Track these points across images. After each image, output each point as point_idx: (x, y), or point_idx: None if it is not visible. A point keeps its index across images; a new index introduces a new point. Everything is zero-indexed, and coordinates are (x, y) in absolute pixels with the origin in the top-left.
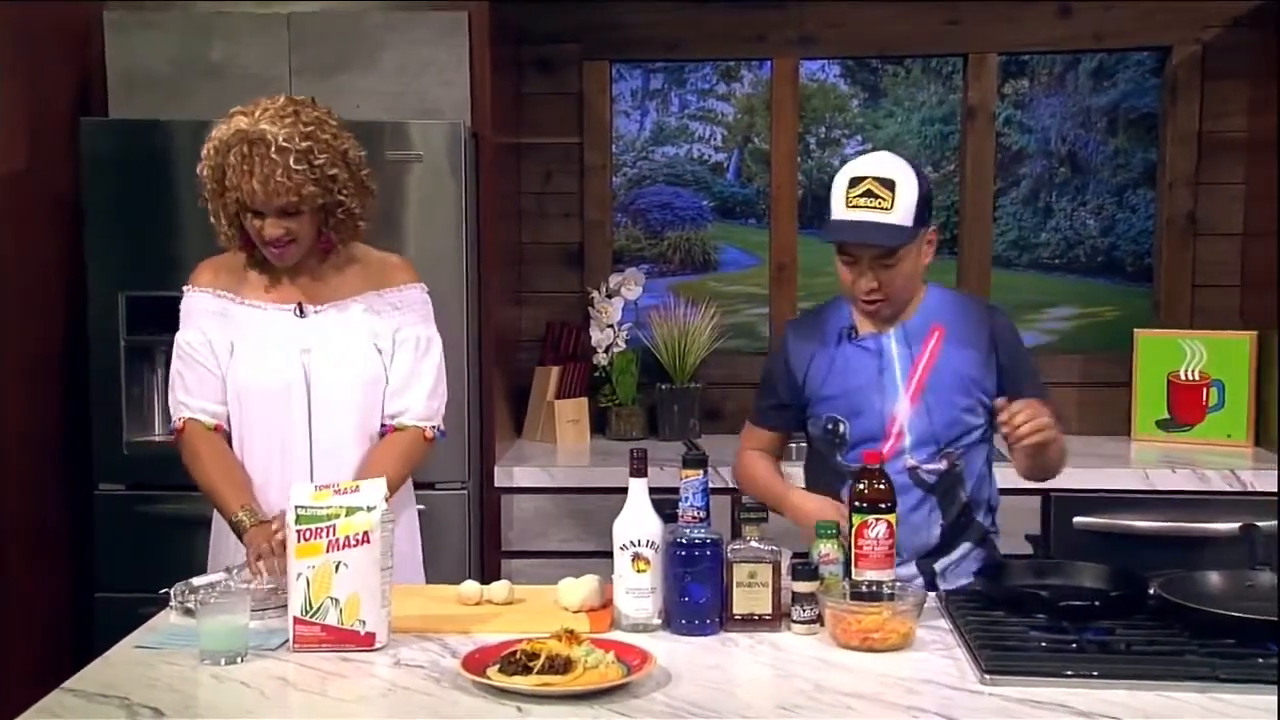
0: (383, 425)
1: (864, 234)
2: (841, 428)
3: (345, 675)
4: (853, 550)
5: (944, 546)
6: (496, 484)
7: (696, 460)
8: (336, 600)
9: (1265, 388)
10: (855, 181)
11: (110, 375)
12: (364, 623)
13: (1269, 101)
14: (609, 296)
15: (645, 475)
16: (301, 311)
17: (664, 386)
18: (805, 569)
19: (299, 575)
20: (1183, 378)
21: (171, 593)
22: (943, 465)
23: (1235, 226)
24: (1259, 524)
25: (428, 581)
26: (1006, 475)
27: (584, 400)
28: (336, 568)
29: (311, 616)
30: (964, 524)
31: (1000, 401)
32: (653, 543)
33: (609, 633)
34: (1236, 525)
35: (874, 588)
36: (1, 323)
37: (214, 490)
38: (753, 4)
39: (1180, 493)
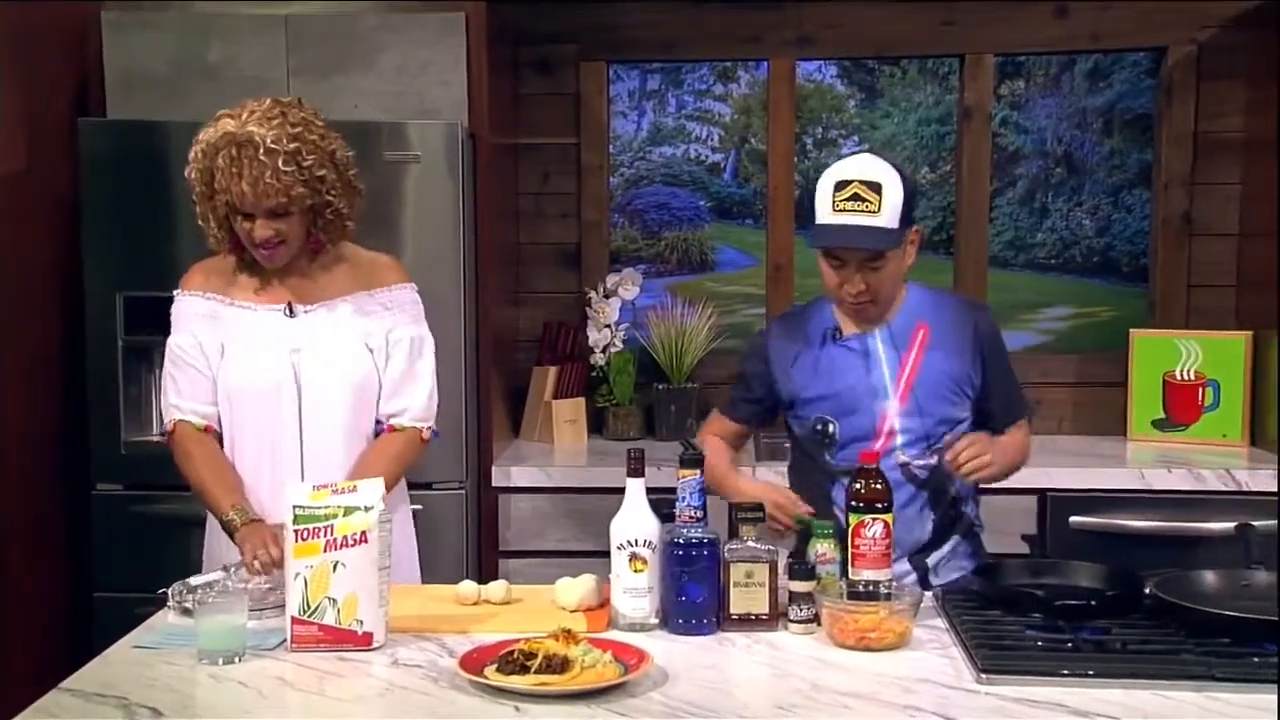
0: (379, 425)
1: (853, 238)
2: (831, 428)
3: (343, 675)
4: (849, 550)
5: (936, 540)
6: (494, 484)
7: (693, 460)
8: (334, 600)
9: (1260, 387)
10: (841, 185)
11: (108, 375)
12: (361, 622)
13: (1265, 102)
14: (606, 297)
15: (642, 475)
16: (291, 311)
17: (661, 386)
18: (802, 569)
19: (297, 575)
20: (1178, 377)
21: (169, 593)
22: (933, 460)
23: (1231, 227)
24: (1254, 523)
25: (425, 581)
26: None
27: (581, 400)
28: (334, 567)
29: (309, 616)
30: (954, 517)
31: (948, 439)
32: (650, 542)
33: (606, 632)
34: (1232, 525)
35: (870, 587)
36: None
37: (205, 490)
38: (749, 5)
39: (1176, 492)
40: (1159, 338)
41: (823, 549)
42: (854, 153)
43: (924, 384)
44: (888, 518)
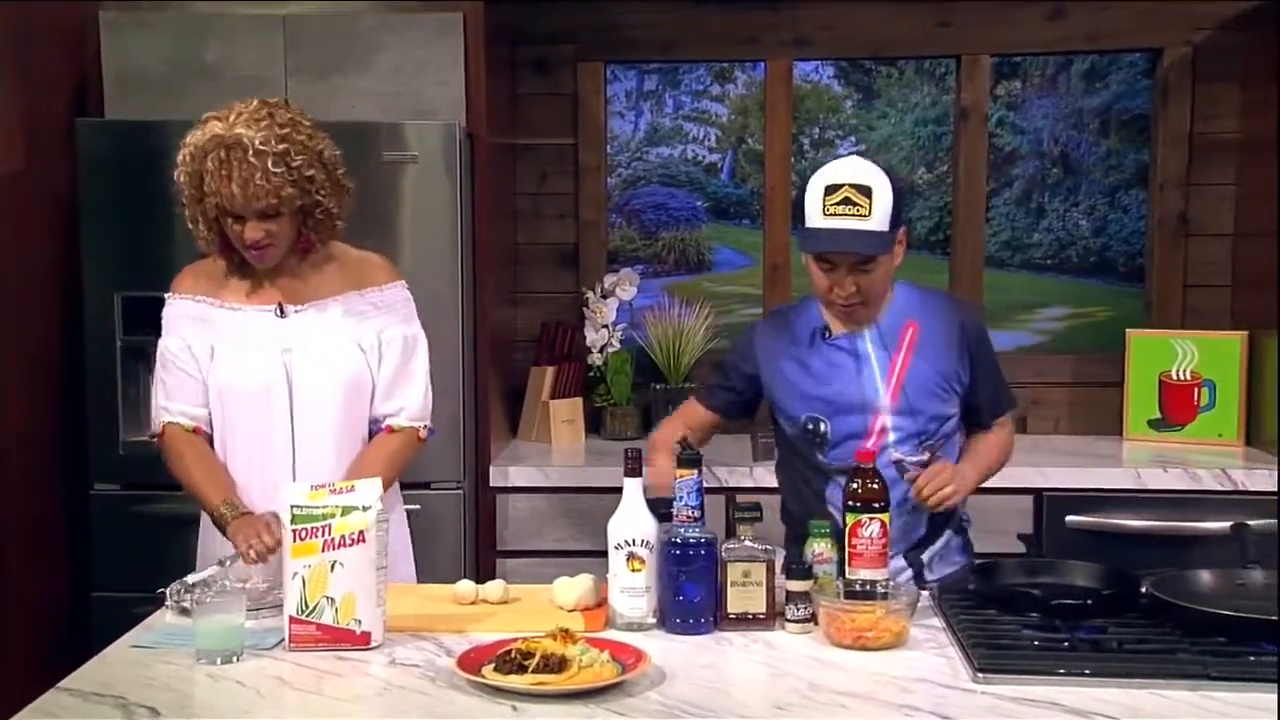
0: (376, 426)
1: (845, 242)
2: (822, 427)
3: (341, 674)
4: (846, 549)
5: (930, 536)
6: (492, 483)
7: (691, 460)
8: (332, 599)
9: (1256, 387)
10: (831, 189)
11: (106, 375)
12: (359, 622)
13: (1260, 103)
14: (604, 297)
15: (640, 475)
16: (282, 312)
17: (658, 386)
18: (799, 568)
19: (295, 575)
20: (1174, 377)
21: (167, 592)
22: (925, 457)
23: (1226, 227)
24: (1250, 523)
25: (422, 581)
26: (999, 474)
27: (579, 400)
28: (332, 567)
29: (307, 616)
30: (947, 513)
31: (910, 475)
32: (647, 542)
33: (604, 632)
34: (1228, 524)
35: (867, 587)
36: None
37: (196, 487)
38: (746, 6)
39: (1172, 492)
40: (1155, 338)
41: (820, 548)
42: (842, 155)
43: (914, 382)
44: (884, 517)
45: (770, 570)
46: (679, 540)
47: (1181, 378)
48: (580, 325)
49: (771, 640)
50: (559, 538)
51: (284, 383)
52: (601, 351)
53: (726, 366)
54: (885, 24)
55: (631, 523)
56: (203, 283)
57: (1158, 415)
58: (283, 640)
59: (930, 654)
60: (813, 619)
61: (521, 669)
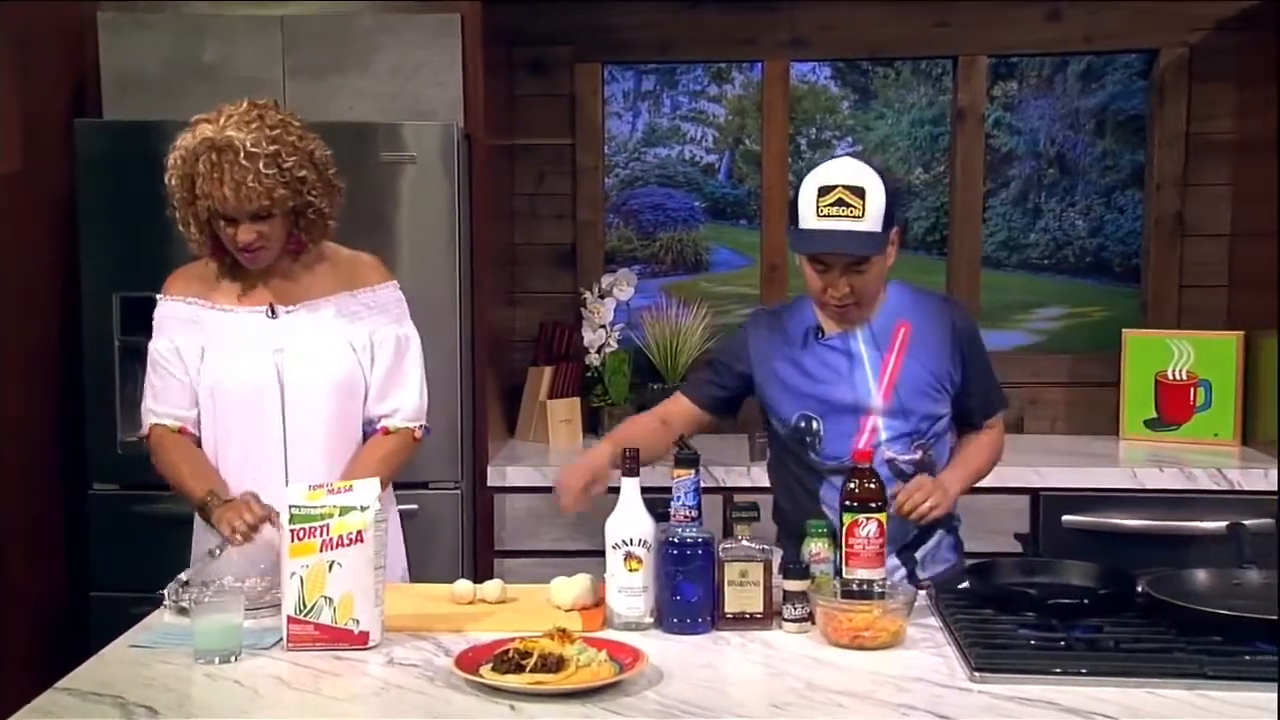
0: (372, 427)
1: (840, 243)
2: (815, 425)
3: (339, 674)
4: (843, 549)
5: (923, 535)
6: (489, 483)
7: (688, 460)
8: (330, 599)
9: (1252, 387)
10: (825, 190)
11: (104, 375)
12: (357, 621)
13: (1255, 104)
14: (601, 297)
15: (637, 475)
16: (273, 312)
17: (656, 386)
18: (796, 568)
19: (293, 574)
20: (1170, 377)
21: (165, 592)
22: (917, 455)
23: (1222, 227)
24: (1245, 522)
25: (420, 580)
26: (996, 474)
27: (576, 400)
28: (330, 567)
29: (305, 615)
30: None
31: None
32: (645, 542)
33: (601, 631)
34: (1223, 524)
35: (864, 586)
36: None
37: (181, 483)
38: (744, 6)
39: (1168, 491)
40: (1151, 338)
41: (817, 548)
42: (837, 156)
43: (906, 382)
44: (881, 517)
45: (767, 570)
46: (676, 540)
47: (1177, 378)
48: (578, 325)
49: (769, 640)
50: (556, 537)
51: (276, 383)
52: (599, 351)
53: (717, 364)
54: (882, 25)
55: (629, 522)
56: (194, 284)
57: (1154, 415)
58: (281, 640)
59: (927, 653)
60: (810, 618)
61: (519, 668)
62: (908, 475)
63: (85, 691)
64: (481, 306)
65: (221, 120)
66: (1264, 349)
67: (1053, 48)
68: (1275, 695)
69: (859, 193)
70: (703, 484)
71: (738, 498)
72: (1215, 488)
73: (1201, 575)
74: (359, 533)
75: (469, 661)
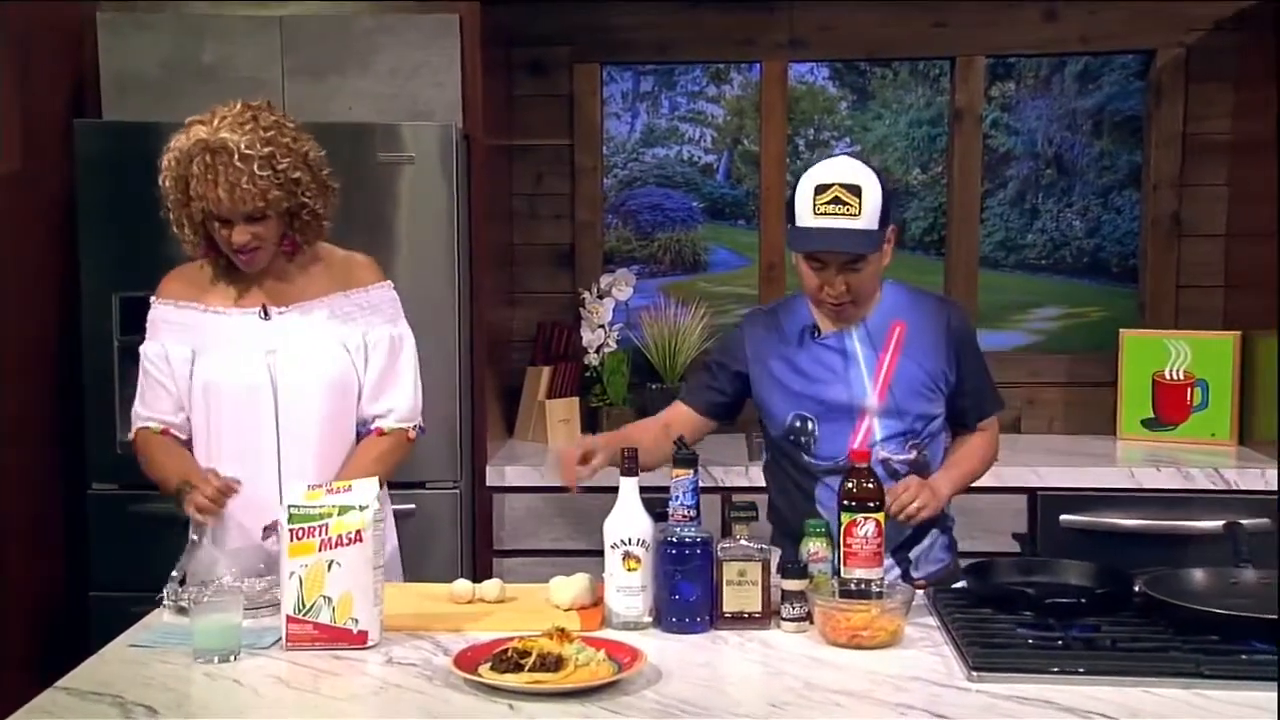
0: (365, 427)
1: (835, 241)
2: (810, 425)
3: (338, 673)
4: (841, 549)
5: (917, 535)
6: (488, 483)
7: (687, 459)
8: (329, 599)
9: (1249, 387)
10: (821, 189)
11: (103, 375)
12: (356, 621)
13: (1252, 104)
14: (600, 297)
15: (636, 474)
16: (265, 314)
17: (654, 386)
18: (794, 567)
19: (292, 574)
20: (1167, 377)
21: (164, 592)
22: (912, 455)
23: (1219, 228)
24: (1242, 521)
25: (420, 580)
26: (994, 474)
27: (575, 400)
28: (329, 566)
29: (304, 615)
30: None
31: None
32: (643, 541)
33: (600, 631)
34: (1220, 523)
35: (862, 586)
36: None
37: (163, 478)
38: (742, 7)
39: (1165, 491)
40: (1148, 338)
41: (815, 548)
42: (831, 156)
43: (901, 381)
44: (879, 516)
45: (766, 569)
46: (675, 539)
47: (1174, 378)
48: (576, 325)
49: (767, 639)
50: (555, 537)
51: (269, 384)
52: (598, 351)
53: (714, 368)
54: (880, 25)
55: (628, 522)
56: (187, 287)
57: (1151, 415)
58: (280, 639)
59: (925, 653)
60: (808, 618)
61: (518, 668)
62: (902, 475)
63: (85, 691)
64: (480, 306)
65: (215, 122)
66: (1261, 349)
67: (1050, 48)
68: (1271, 694)
69: (855, 191)
70: (701, 484)
71: (736, 497)
72: (1212, 487)
73: (1198, 575)
74: (358, 532)
75: (468, 661)
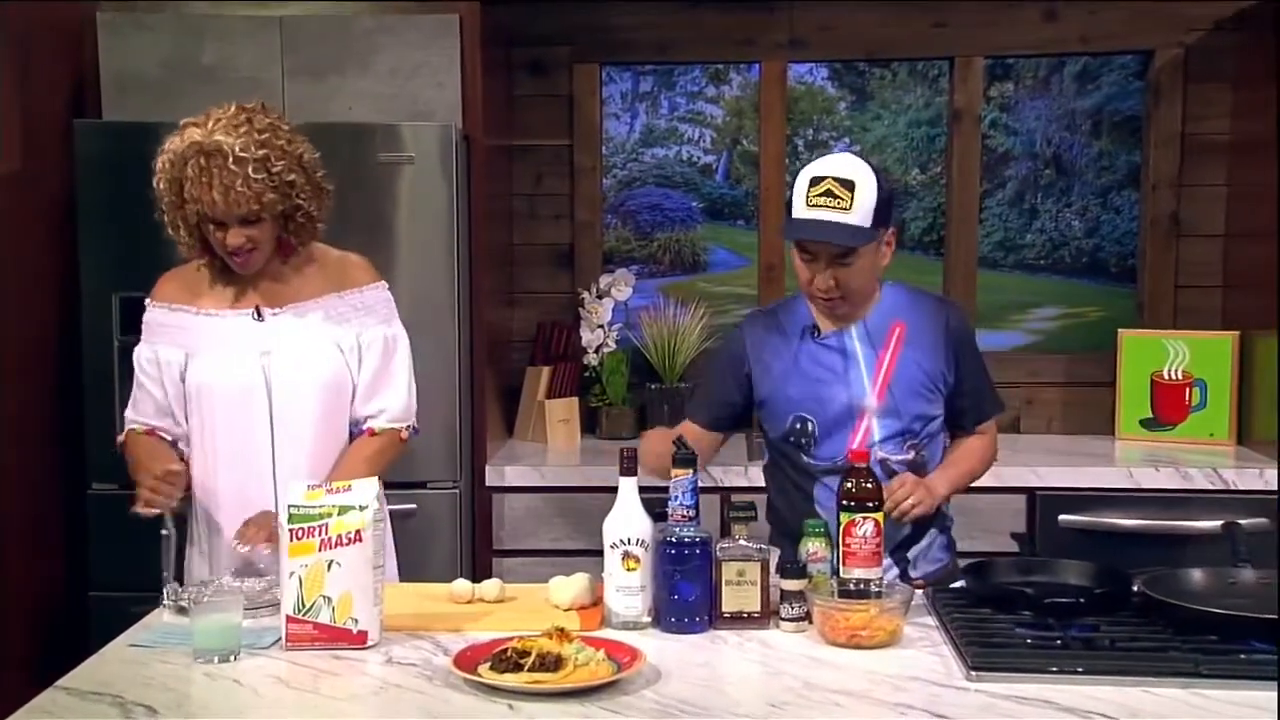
0: (357, 427)
1: (822, 232)
2: (809, 426)
3: (338, 673)
4: (840, 548)
5: (915, 535)
6: (488, 483)
7: (686, 459)
8: (329, 599)
9: (1248, 387)
10: (816, 181)
11: (103, 375)
12: (356, 621)
13: (1251, 104)
14: (599, 297)
15: (635, 474)
16: (259, 315)
17: (654, 386)
18: (793, 567)
19: (292, 574)
20: (1166, 377)
21: (164, 591)
22: (910, 456)
23: (1218, 228)
24: (1241, 521)
25: (419, 580)
26: (993, 474)
27: (574, 400)
28: (329, 566)
29: (304, 615)
30: (932, 511)
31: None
32: (643, 541)
33: (599, 630)
34: (1219, 523)
35: (861, 585)
36: None
37: (139, 478)
38: (742, 8)
39: (1163, 491)
40: (1147, 338)
41: (814, 547)
42: (836, 152)
43: (900, 382)
44: (878, 516)
45: (765, 569)
46: (674, 539)
47: (1173, 377)
48: (576, 325)
49: (766, 639)
50: (555, 537)
51: (263, 386)
52: (597, 351)
53: (716, 378)
54: (879, 26)
55: (627, 522)
56: (181, 289)
57: (1149, 415)
58: (280, 639)
59: (924, 652)
60: (807, 618)
61: (517, 667)
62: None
63: (84, 691)
64: (480, 307)
65: (209, 124)
66: (1260, 349)
67: (1049, 48)
68: (1269, 694)
69: (848, 185)
70: (700, 483)
71: (735, 497)
72: (1210, 487)
73: (1197, 574)
74: (357, 532)
75: (467, 661)
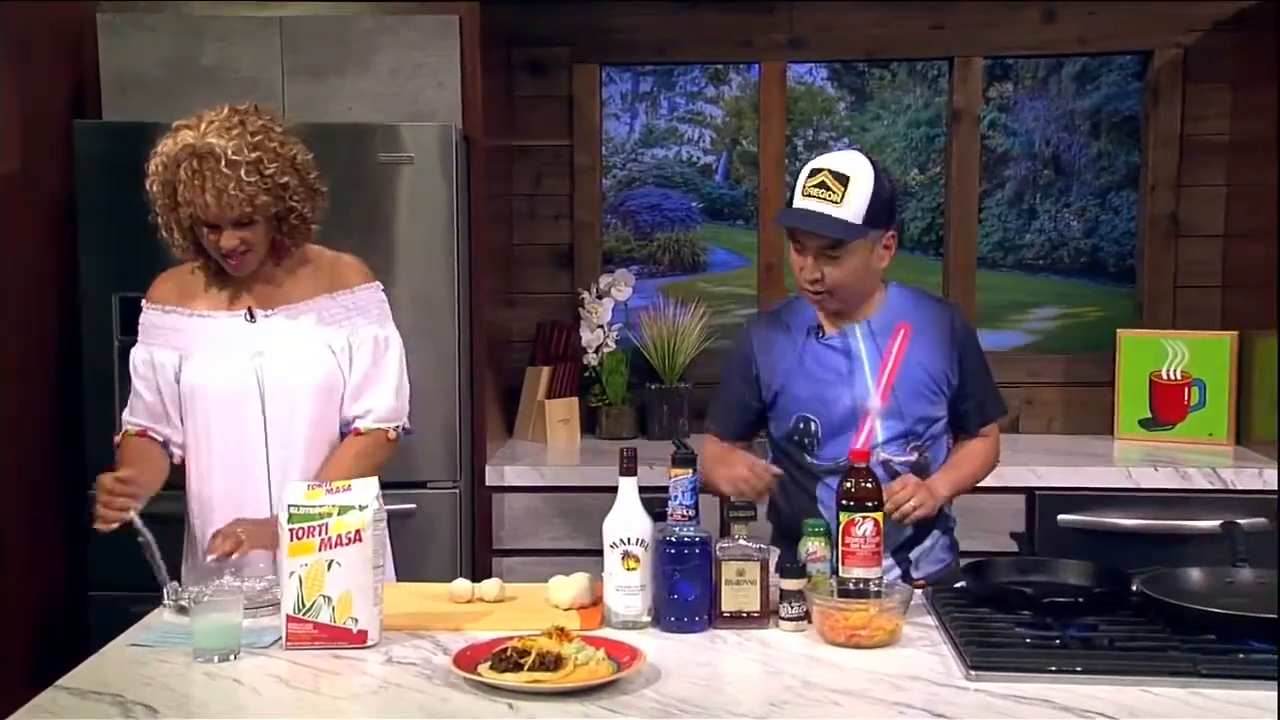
0: (346, 427)
1: (808, 221)
2: (813, 426)
3: (338, 673)
4: (840, 548)
5: (918, 535)
6: (488, 483)
7: (686, 459)
8: (329, 598)
9: (1247, 387)
10: (814, 173)
11: (103, 376)
12: (356, 620)
13: (1251, 104)
14: (599, 297)
15: (635, 474)
16: (251, 316)
17: (653, 386)
18: (793, 567)
19: (292, 574)
20: (1165, 377)
21: (164, 591)
22: (913, 457)
23: (1216, 228)
24: (1239, 521)
25: (419, 580)
26: (993, 474)
27: (574, 400)
28: (329, 566)
29: (304, 614)
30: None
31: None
32: (642, 541)
33: (599, 630)
34: (1217, 523)
35: (861, 585)
36: None
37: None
38: (741, 8)
39: (1162, 491)
40: (1146, 338)
41: (813, 547)
42: (843, 149)
43: (904, 383)
44: (878, 516)
45: (764, 569)
46: (674, 539)
47: (1172, 377)
48: (576, 325)
49: (766, 638)
50: (554, 536)
51: (256, 387)
52: (597, 352)
53: (727, 382)
54: (879, 26)
55: (626, 522)
56: (175, 291)
57: (1148, 415)
58: (280, 639)
59: (923, 652)
60: (806, 617)
61: (517, 667)
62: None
63: (85, 690)
64: (480, 307)
65: (202, 126)
66: (1258, 348)
67: (1048, 49)
68: (1268, 694)
69: (842, 180)
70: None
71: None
72: (1209, 487)
73: (1196, 574)
74: (357, 532)
75: (467, 660)
